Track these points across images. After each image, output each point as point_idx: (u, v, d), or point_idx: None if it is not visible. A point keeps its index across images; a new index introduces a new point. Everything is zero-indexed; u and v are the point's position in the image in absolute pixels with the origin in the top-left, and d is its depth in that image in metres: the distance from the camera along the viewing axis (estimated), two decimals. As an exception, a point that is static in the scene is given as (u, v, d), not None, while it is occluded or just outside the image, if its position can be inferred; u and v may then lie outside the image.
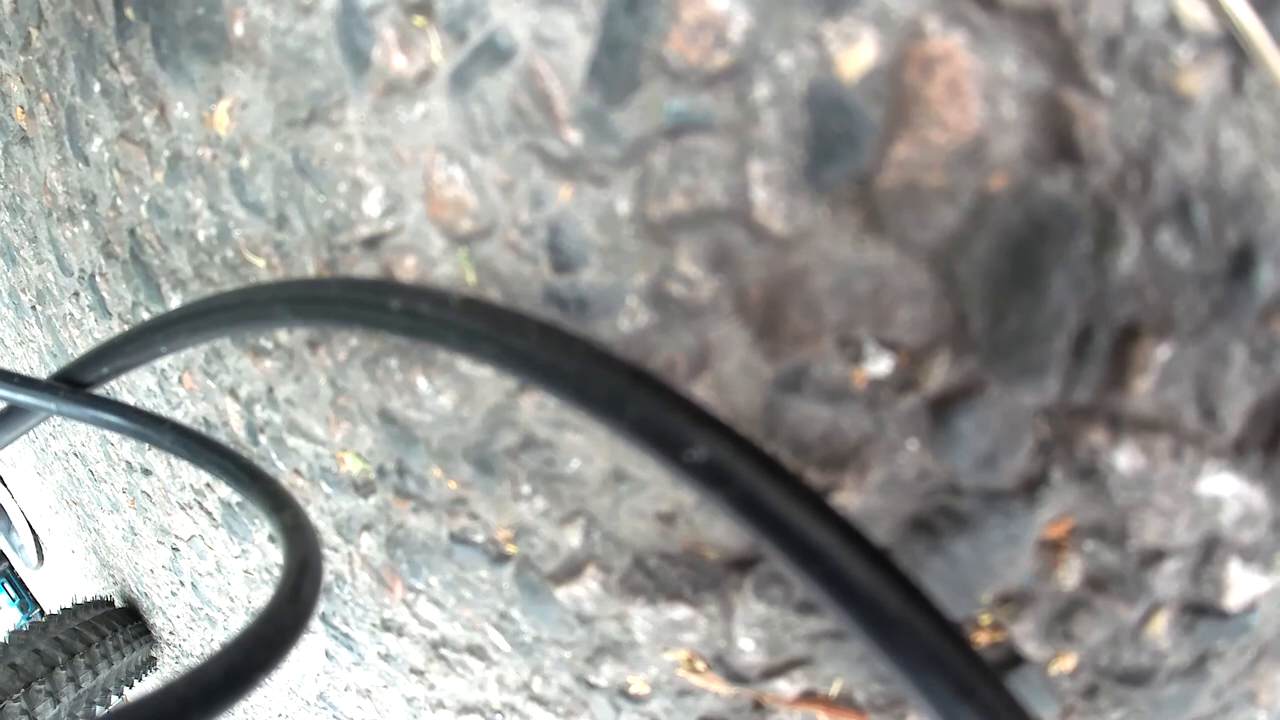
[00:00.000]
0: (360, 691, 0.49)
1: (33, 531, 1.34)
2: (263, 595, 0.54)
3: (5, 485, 1.34)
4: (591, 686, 0.32)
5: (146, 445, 0.56)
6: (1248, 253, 0.16)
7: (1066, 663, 0.22)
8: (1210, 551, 0.20)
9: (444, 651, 0.38)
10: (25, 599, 1.73)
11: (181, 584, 0.70)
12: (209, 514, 0.53)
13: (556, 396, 0.20)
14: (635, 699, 0.30)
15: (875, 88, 0.17)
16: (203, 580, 0.63)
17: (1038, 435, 0.19)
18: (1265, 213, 0.16)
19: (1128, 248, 0.17)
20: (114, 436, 0.62)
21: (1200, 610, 0.21)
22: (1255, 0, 0.15)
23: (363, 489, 0.35)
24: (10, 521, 1.35)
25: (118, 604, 1.02)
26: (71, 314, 0.53)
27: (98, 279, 0.46)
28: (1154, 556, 0.20)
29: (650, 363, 0.22)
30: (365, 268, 0.27)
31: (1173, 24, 0.15)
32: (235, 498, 0.48)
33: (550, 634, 0.31)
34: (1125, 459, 0.19)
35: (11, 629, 0.90)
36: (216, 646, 0.73)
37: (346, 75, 0.24)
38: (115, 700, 0.93)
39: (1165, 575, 0.20)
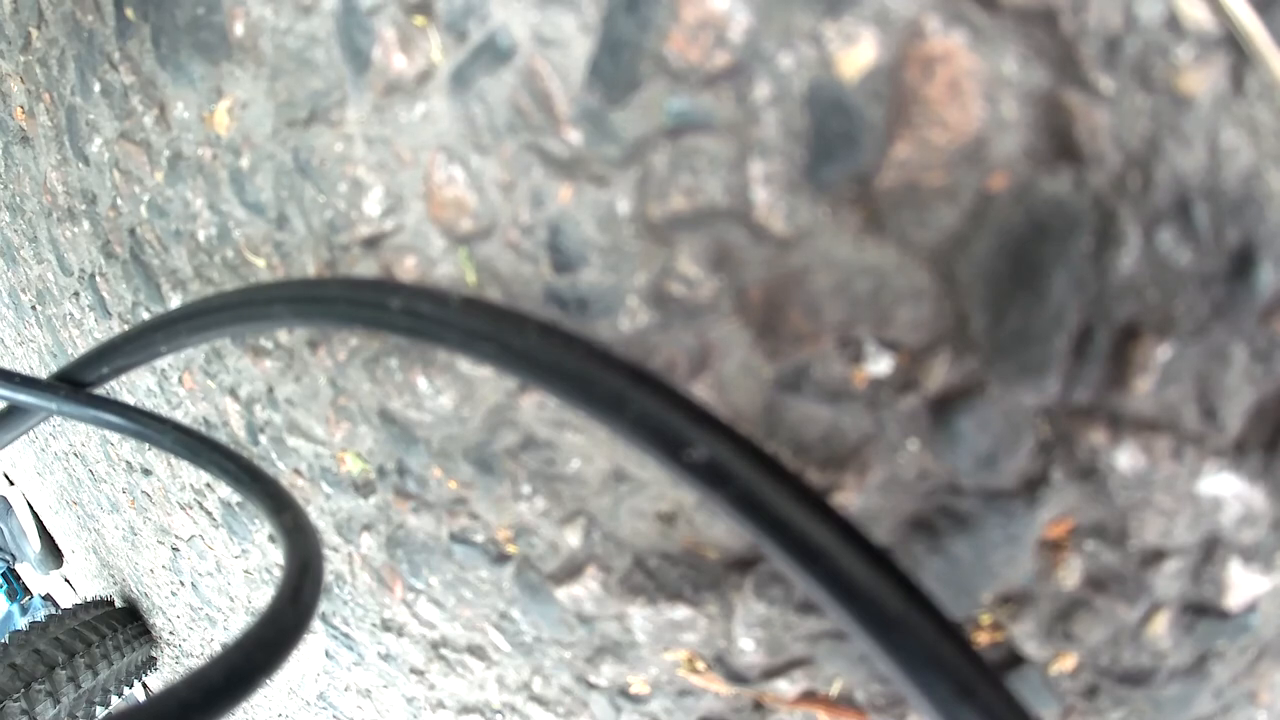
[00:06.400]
0: (360, 691, 0.49)
1: (46, 535, 1.34)
2: (263, 595, 0.54)
3: (12, 483, 1.34)
4: (592, 686, 0.32)
5: (146, 445, 0.56)
6: (1248, 252, 0.16)
7: (1067, 663, 0.22)
8: (1211, 551, 0.20)
9: (444, 651, 0.38)
10: (15, 586, 1.74)
11: (181, 584, 0.70)
12: (209, 514, 0.53)
13: (556, 396, 0.20)
14: (635, 699, 0.30)
15: (875, 87, 0.17)
16: (203, 580, 0.63)
17: (1038, 435, 0.19)
18: (1265, 213, 0.16)
19: (1128, 247, 0.17)
20: (114, 436, 0.62)
21: (1201, 610, 0.21)
22: (1255, 0, 0.15)
23: (363, 489, 0.35)
24: (20, 526, 1.35)
25: (118, 604, 1.02)
26: (71, 314, 0.53)
27: (98, 279, 0.46)
28: (1154, 556, 0.20)
29: (650, 363, 0.22)
30: (365, 268, 0.27)
31: (1173, 24, 0.15)
32: (235, 498, 0.48)
33: (550, 634, 0.31)
34: (1126, 459, 0.19)
35: (12, 629, 0.90)
36: (217, 646, 0.73)
37: (347, 75, 0.24)
38: (115, 700, 0.93)
39: (1166, 575, 0.20)
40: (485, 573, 0.32)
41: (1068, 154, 0.16)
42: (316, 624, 0.47)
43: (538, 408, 0.25)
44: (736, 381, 0.21)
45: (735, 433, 0.18)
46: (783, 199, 0.18)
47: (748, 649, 0.26)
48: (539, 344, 0.20)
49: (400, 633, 0.40)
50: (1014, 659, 0.22)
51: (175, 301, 0.38)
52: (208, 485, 0.51)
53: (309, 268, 0.29)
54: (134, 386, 0.48)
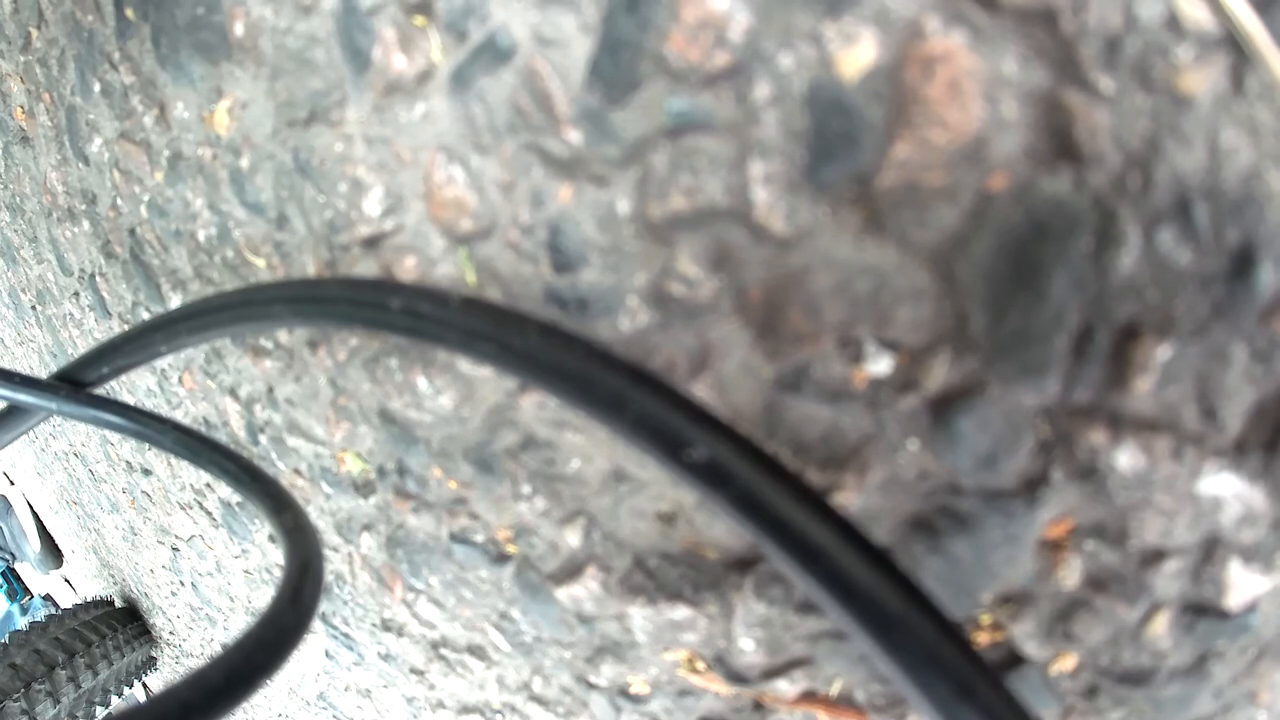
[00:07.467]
0: (360, 691, 0.49)
1: (46, 535, 1.35)
2: (263, 595, 0.54)
3: (12, 482, 1.34)
4: (591, 686, 0.32)
5: (146, 445, 0.56)
6: (1248, 252, 0.16)
7: (1067, 663, 0.22)
8: (1210, 551, 0.20)
9: (444, 651, 0.38)
10: (15, 586, 1.75)
11: (181, 584, 0.70)
12: (209, 514, 0.53)
13: (556, 396, 0.20)
14: (635, 699, 0.30)
15: (875, 87, 0.17)
16: (203, 580, 0.63)
17: (1038, 435, 0.19)
18: (1265, 213, 0.16)
19: (1128, 247, 0.17)
20: (114, 436, 0.62)
21: (1200, 610, 0.21)
22: (1255, 0, 0.15)
23: (363, 489, 0.35)
24: (20, 526, 1.36)
25: (118, 604, 1.02)
26: (71, 314, 0.53)
27: (98, 279, 0.46)
28: (1154, 556, 0.20)
29: (650, 363, 0.22)
30: (365, 268, 0.27)
31: (1173, 24, 0.15)
32: (235, 498, 0.48)
33: (550, 634, 0.31)
34: (1126, 459, 0.19)
35: (12, 629, 0.90)
36: (217, 646, 0.73)
37: (347, 75, 0.24)
38: (115, 700, 0.93)
39: (1165, 575, 0.20)
40: (485, 573, 0.32)
41: (1068, 154, 0.16)
42: (316, 624, 0.47)
43: (538, 408, 0.25)
44: (736, 381, 0.21)
45: (735, 433, 0.18)
46: (783, 199, 0.18)
47: (748, 649, 0.26)
48: (539, 344, 0.20)
49: (400, 633, 0.40)
50: (1014, 659, 0.22)
51: (175, 301, 0.38)
52: (208, 485, 0.51)
53: (309, 268, 0.29)
54: (134, 386, 0.48)
